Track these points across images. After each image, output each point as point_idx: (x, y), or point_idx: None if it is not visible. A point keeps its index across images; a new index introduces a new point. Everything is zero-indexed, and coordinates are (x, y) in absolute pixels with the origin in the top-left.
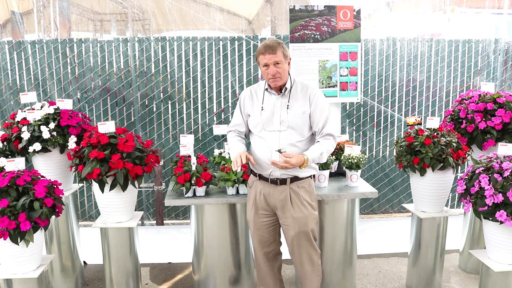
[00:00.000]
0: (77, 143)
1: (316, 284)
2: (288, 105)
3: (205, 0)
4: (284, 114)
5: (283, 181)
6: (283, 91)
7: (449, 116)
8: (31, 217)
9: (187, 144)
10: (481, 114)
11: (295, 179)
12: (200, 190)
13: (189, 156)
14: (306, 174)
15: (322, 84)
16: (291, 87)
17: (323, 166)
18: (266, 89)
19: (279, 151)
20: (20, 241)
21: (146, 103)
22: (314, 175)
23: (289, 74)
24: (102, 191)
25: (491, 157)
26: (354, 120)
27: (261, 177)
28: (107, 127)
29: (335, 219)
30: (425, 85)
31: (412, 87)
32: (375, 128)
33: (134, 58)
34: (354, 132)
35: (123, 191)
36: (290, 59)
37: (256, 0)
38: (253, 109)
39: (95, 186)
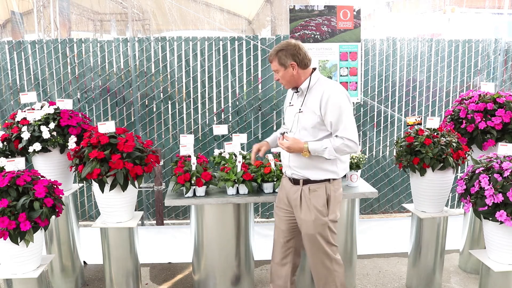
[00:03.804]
0: (77, 143)
1: None
2: (301, 105)
3: (205, 0)
4: (297, 114)
5: (296, 182)
6: (298, 91)
7: (449, 116)
8: (31, 217)
9: (187, 144)
10: (481, 114)
11: (307, 181)
12: (200, 190)
13: (189, 156)
14: (318, 177)
15: None
16: (307, 88)
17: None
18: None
19: (283, 134)
20: (20, 241)
21: (146, 103)
22: (331, 179)
23: (310, 74)
24: (102, 191)
25: (491, 157)
26: (354, 120)
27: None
28: (107, 127)
29: None
30: (425, 85)
31: (412, 87)
32: (375, 128)
33: (134, 58)
34: None
35: (123, 191)
36: (292, 63)
37: (256, 0)
38: (285, 108)
39: (95, 186)
